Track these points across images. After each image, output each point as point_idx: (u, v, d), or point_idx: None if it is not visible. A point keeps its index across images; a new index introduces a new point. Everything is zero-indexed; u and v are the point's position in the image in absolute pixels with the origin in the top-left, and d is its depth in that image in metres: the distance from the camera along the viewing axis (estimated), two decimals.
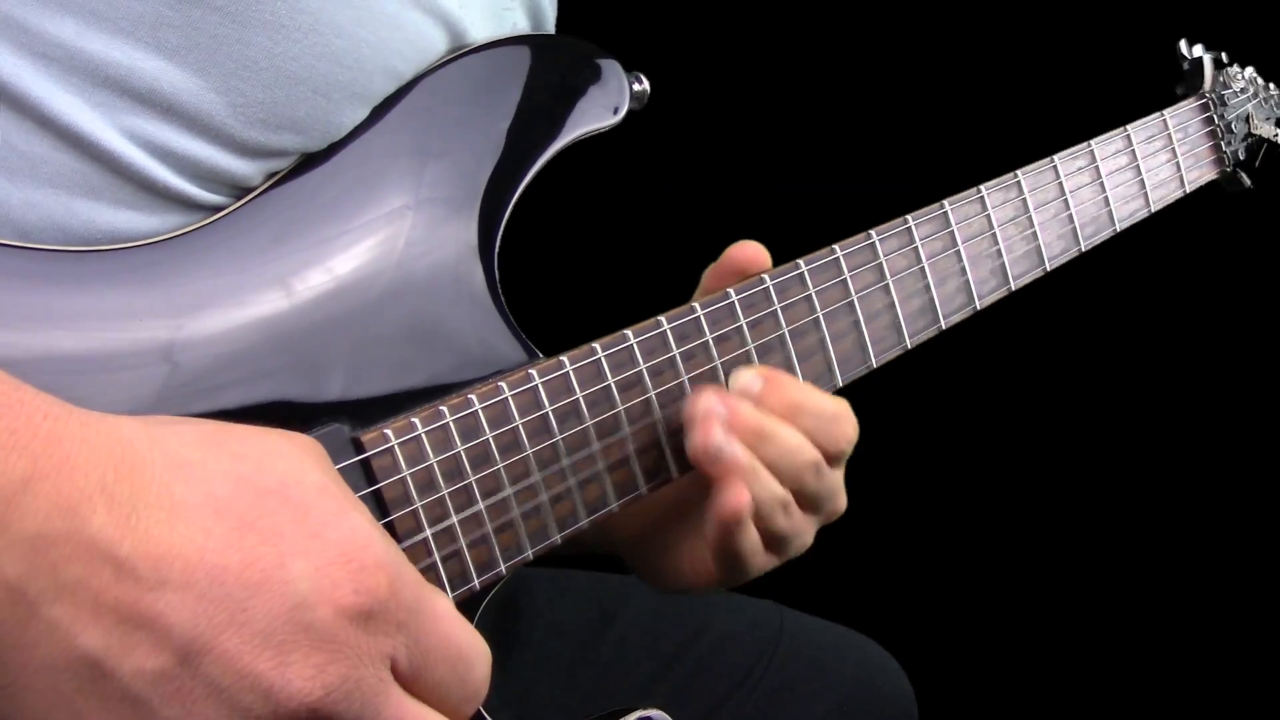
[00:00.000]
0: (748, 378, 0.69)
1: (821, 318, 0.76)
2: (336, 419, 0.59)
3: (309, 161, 0.62)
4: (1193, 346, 1.78)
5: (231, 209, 0.60)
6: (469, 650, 0.52)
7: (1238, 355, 1.78)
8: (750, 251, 0.74)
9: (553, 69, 0.70)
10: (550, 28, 0.79)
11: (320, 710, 0.46)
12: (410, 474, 0.60)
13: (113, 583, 0.43)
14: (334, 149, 0.63)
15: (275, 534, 0.46)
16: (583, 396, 0.66)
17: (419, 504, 0.60)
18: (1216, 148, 1.09)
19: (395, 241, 0.64)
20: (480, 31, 0.69)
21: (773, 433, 0.67)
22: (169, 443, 0.47)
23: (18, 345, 0.52)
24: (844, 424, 0.70)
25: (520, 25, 0.74)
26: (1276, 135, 1.14)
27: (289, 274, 0.60)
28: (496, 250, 0.67)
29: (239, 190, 0.61)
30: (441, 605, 0.51)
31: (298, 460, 0.50)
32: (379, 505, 0.59)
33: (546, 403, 0.65)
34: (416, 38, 0.65)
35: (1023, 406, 1.81)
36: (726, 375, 0.72)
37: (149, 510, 0.45)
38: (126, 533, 0.44)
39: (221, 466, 0.47)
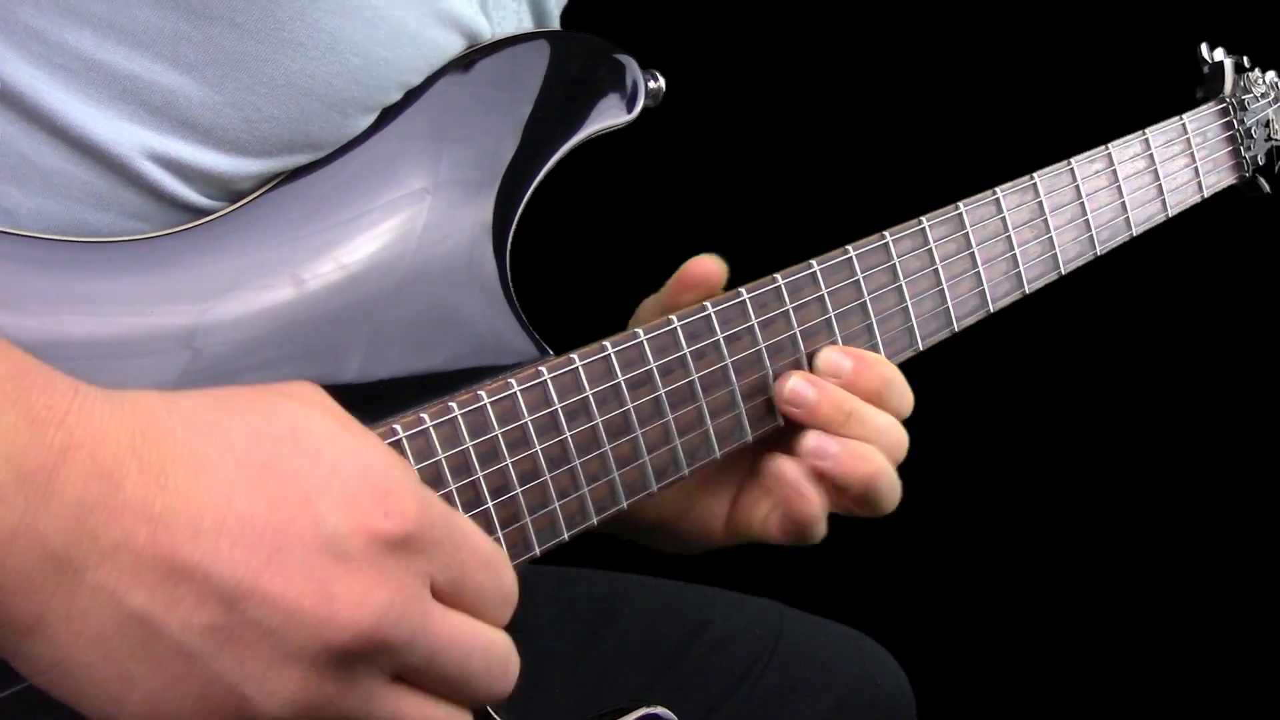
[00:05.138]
0: (835, 358, 0.72)
1: (834, 318, 0.76)
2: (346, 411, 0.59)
3: (322, 160, 0.62)
4: (1201, 351, 1.77)
5: (248, 200, 0.60)
6: (496, 556, 0.53)
7: (1248, 361, 1.77)
8: (707, 266, 0.73)
9: (569, 65, 0.70)
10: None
11: (373, 639, 0.46)
12: (418, 469, 0.59)
13: (150, 540, 0.44)
14: (347, 146, 0.63)
15: (295, 474, 0.47)
16: (592, 394, 0.66)
17: None
18: (1236, 153, 1.08)
19: (414, 224, 0.63)
20: None
21: (863, 414, 0.71)
22: (185, 407, 0.48)
23: (36, 329, 0.52)
24: (909, 394, 0.75)
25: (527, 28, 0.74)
26: None
27: (309, 258, 0.60)
28: (509, 244, 0.67)
29: None
30: (465, 520, 0.52)
31: (303, 411, 0.50)
32: None
33: (556, 399, 0.64)
34: (434, 54, 0.65)
35: (1024, 406, 1.80)
36: (736, 373, 0.71)
37: (176, 467, 0.45)
38: (158, 491, 0.45)
39: (235, 421, 0.48)
